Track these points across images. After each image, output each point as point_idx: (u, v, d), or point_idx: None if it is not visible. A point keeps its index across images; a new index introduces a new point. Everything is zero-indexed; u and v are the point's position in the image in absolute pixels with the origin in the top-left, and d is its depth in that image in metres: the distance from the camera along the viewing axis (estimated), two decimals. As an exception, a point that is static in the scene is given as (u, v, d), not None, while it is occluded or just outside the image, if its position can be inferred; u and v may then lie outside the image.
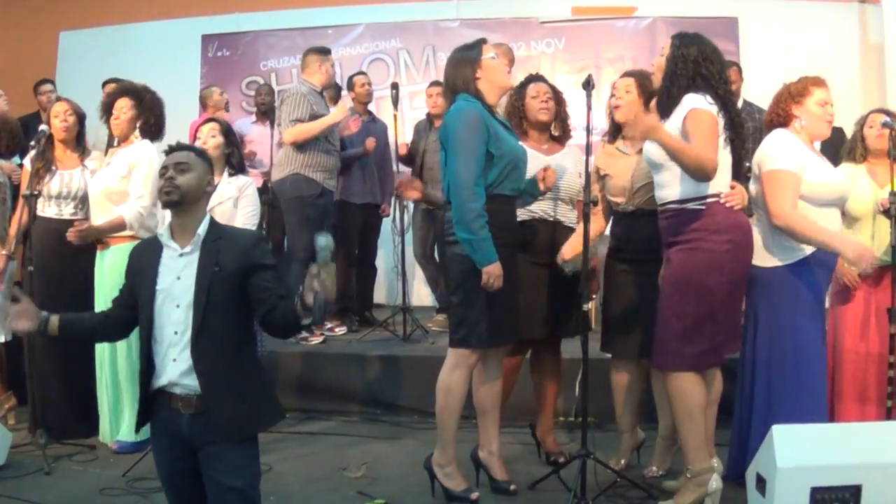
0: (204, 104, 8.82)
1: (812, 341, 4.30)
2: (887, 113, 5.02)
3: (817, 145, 4.58)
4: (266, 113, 8.10)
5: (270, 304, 3.15)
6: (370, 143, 7.48)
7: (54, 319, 3.22)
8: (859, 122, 5.20)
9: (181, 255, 3.22)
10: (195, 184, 3.28)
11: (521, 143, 4.71)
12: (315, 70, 7.00)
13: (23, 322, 3.18)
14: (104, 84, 7.34)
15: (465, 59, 4.41)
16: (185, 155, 3.33)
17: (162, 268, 3.23)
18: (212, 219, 3.33)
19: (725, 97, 4.15)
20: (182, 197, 3.24)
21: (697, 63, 4.14)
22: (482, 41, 4.51)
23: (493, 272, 4.17)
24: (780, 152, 4.28)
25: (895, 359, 4.66)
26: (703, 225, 4.06)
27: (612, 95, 4.93)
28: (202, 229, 3.24)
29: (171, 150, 3.39)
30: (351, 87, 7.90)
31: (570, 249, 4.68)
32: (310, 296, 3.20)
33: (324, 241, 3.32)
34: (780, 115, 4.46)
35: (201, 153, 3.44)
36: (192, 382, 3.12)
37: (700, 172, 3.95)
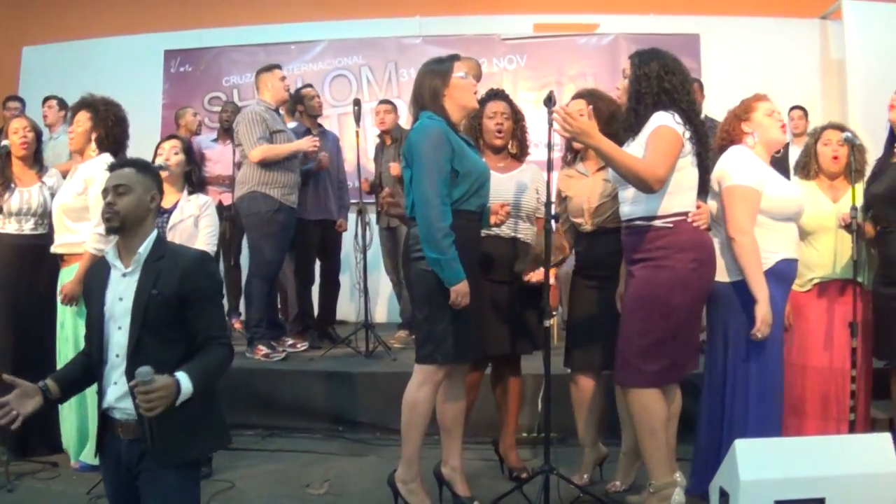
0: (177, 123, 8.77)
1: (773, 355, 4.32)
2: (842, 129, 5.05)
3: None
4: (228, 130, 8.06)
5: (198, 345, 3.09)
6: (324, 158, 7.44)
7: (51, 384, 3.12)
8: (813, 136, 5.22)
9: (124, 275, 3.15)
10: (135, 206, 3.19)
11: (480, 160, 4.74)
12: (266, 88, 7.00)
13: (28, 404, 3.05)
14: (44, 101, 7.28)
15: (435, 74, 4.38)
16: (125, 175, 3.23)
17: (108, 289, 3.17)
18: (158, 236, 3.24)
19: (689, 110, 4.16)
20: (122, 222, 3.16)
21: (660, 77, 4.15)
22: (455, 57, 4.49)
23: (461, 291, 4.16)
24: (740, 168, 4.29)
25: (857, 373, 4.68)
26: (669, 243, 4.07)
27: None
28: (144, 248, 3.16)
29: (111, 168, 3.31)
30: (300, 100, 7.84)
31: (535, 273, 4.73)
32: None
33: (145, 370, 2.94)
34: (729, 137, 4.49)
35: (144, 167, 3.34)
36: (130, 407, 3.03)
37: (640, 183, 3.97)
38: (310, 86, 8.14)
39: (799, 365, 4.97)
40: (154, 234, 3.23)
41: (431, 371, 4.33)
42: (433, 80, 4.37)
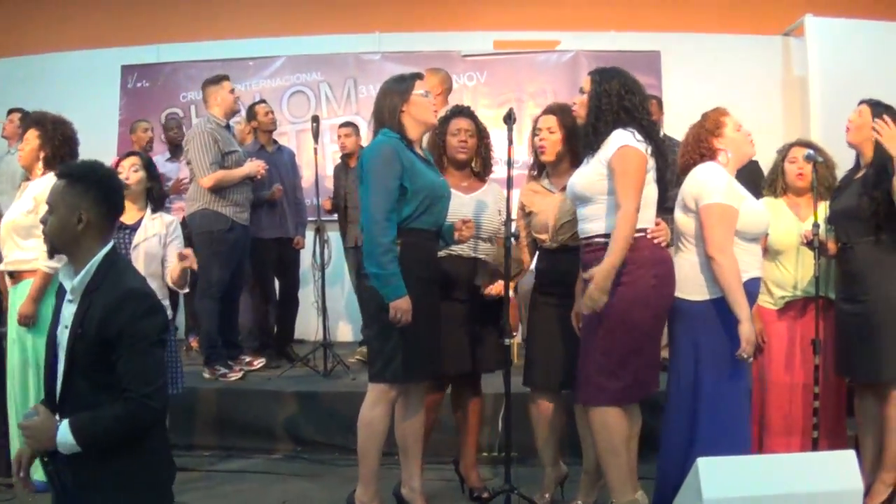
0: (131, 138, 8.66)
1: (745, 374, 4.33)
2: (809, 146, 5.08)
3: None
4: (178, 147, 7.98)
5: (114, 398, 2.85)
6: (277, 191, 7.41)
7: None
8: (781, 153, 5.25)
9: (69, 300, 2.98)
10: (57, 228, 2.95)
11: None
12: (214, 102, 6.94)
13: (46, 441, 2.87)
14: (8, 113, 7.20)
15: (395, 91, 4.42)
16: (54, 190, 3.00)
17: (61, 313, 3.02)
18: (103, 261, 2.98)
19: (649, 128, 4.18)
20: (52, 245, 2.99)
21: (620, 96, 4.16)
22: (417, 76, 4.53)
23: (400, 307, 4.17)
24: (718, 186, 4.27)
25: (820, 390, 4.69)
26: (628, 259, 4.04)
27: (535, 134, 4.87)
28: (81, 276, 2.94)
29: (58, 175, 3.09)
30: (253, 116, 7.79)
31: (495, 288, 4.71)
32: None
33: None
34: (705, 154, 4.45)
35: (75, 179, 3.01)
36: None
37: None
38: (263, 101, 8.11)
39: (762, 381, 5.00)
40: (98, 258, 2.97)
41: (384, 389, 4.35)
42: (392, 97, 4.40)
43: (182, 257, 4.96)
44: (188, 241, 6.87)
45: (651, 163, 4.11)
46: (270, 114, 7.84)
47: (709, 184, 4.29)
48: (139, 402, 2.85)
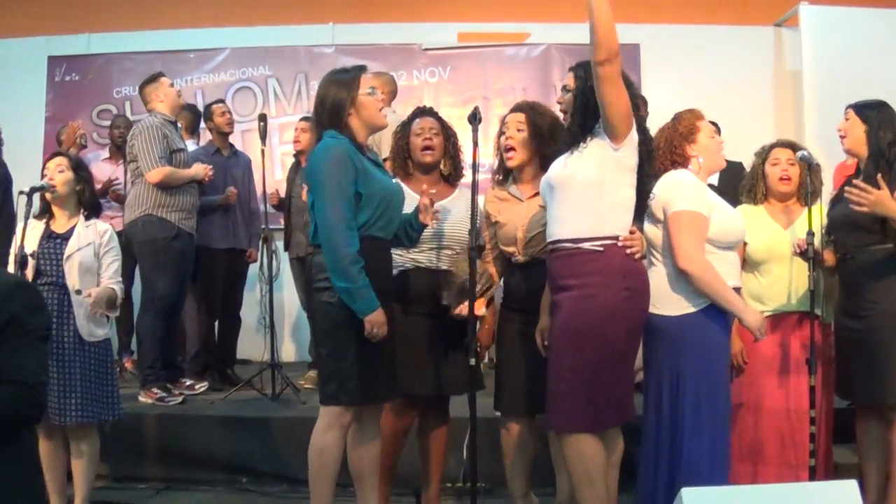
0: (59, 140, 8.58)
1: (724, 394, 4.34)
2: (792, 146, 5.12)
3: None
4: (121, 148, 7.95)
5: None
6: (231, 195, 7.43)
7: None
8: (760, 156, 5.25)
9: None
10: None
11: (406, 186, 4.79)
12: (157, 99, 6.96)
13: None
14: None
15: (340, 87, 4.40)
16: None
17: None
18: None
19: (645, 129, 4.23)
20: None
21: None
22: (361, 70, 4.50)
23: (375, 320, 4.17)
24: (687, 193, 4.32)
25: (816, 413, 4.68)
26: (598, 269, 4.06)
27: (502, 133, 4.86)
28: None
29: None
30: (209, 116, 7.79)
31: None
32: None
33: None
34: (677, 160, 4.49)
35: None
36: None
37: None
38: (220, 101, 8.12)
39: (752, 406, 4.97)
40: None
41: (337, 413, 4.32)
42: (338, 93, 4.39)
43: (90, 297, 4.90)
44: (128, 251, 6.87)
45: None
46: (227, 114, 7.85)
47: (677, 191, 4.34)
48: (24, 389, 2.92)
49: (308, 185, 4.41)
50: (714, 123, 8.47)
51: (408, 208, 4.63)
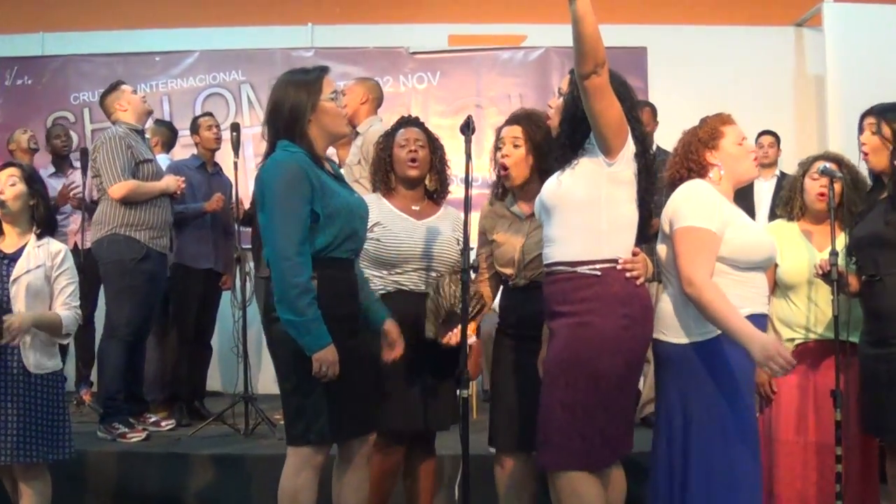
0: (9, 149, 8.62)
1: (743, 431, 4.17)
2: (837, 160, 5.01)
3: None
4: (65, 159, 7.97)
5: None
6: (217, 199, 7.46)
7: None
8: (803, 166, 5.16)
9: None
10: None
11: (387, 202, 4.86)
12: (120, 108, 6.98)
13: None
14: None
15: (298, 99, 4.28)
16: None
17: None
18: None
19: (643, 139, 4.19)
20: None
21: None
22: (323, 71, 4.41)
23: (325, 358, 4.08)
24: (696, 207, 4.19)
25: (843, 451, 4.59)
26: (595, 294, 4.04)
27: (498, 148, 4.83)
28: None
29: None
30: (195, 129, 7.85)
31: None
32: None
33: None
34: (693, 168, 4.36)
35: None
36: None
37: None
38: (208, 114, 8.18)
39: (770, 441, 4.90)
40: None
41: (307, 454, 4.26)
42: (296, 96, 4.28)
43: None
44: (92, 273, 6.86)
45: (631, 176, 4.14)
46: (215, 129, 7.92)
47: (685, 205, 4.21)
48: None
49: (257, 202, 4.30)
50: (772, 133, 8.39)
51: (390, 228, 4.69)
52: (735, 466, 4.13)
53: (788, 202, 5.18)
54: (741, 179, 4.47)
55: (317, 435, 4.22)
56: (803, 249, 5.00)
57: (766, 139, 8.61)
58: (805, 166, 5.14)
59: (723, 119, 4.45)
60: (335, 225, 4.23)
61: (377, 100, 6.69)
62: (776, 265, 4.84)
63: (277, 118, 4.31)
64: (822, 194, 4.94)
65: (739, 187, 4.49)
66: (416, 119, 5.26)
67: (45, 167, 8.51)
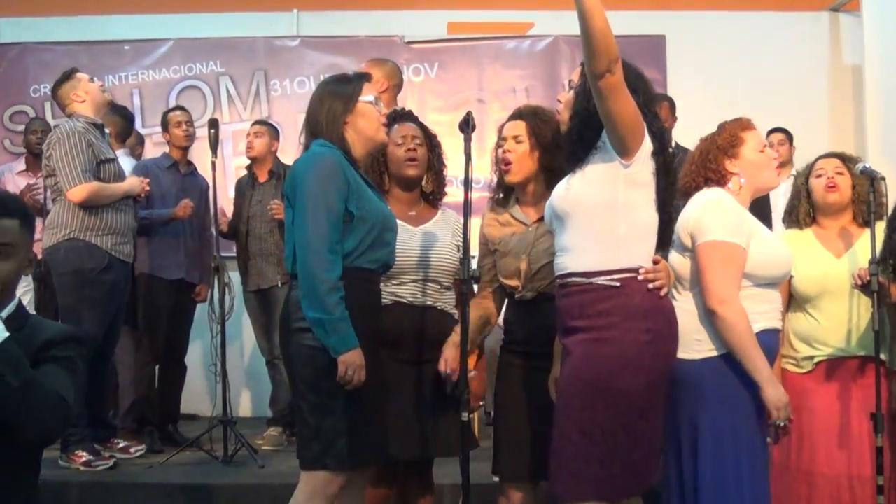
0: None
1: (758, 460, 4.23)
2: (846, 158, 5.05)
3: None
4: (39, 156, 7.97)
5: None
6: (185, 206, 7.44)
7: None
8: (803, 173, 5.20)
9: None
10: (14, 272, 3.25)
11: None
12: (76, 99, 6.91)
13: None
14: None
15: (337, 96, 4.39)
16: (10, 227, 3.22)
17: None
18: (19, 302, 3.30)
19: (660, 136, 4.17)
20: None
21: None
22: (364, 77, 4.52)
23: (351, 362, 4.11)
24: (722, 219, 4.23)
25: (884, 481, 4.56)
26: (614, 307, 4.00)
27: (499, 145, 4.81)
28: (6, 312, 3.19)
29: None
30: (165, 126, 7.86)
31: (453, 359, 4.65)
32: None
33: None
34: (711, 177, 4.42)
35: (26, 214, 3.33)
36: None
37: None
38: (180, 108, 8.17)
39: (804, 472, 4.84)
40: (17, 297, 3.30)
41: (323, 481, 4.25)
42: (333, 106, 4.37)
43: None
44: (47, 282, 6.82)
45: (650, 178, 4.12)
46: (185, 125, 7.91)
47: (710, 216, 4.26)
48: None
49: (288, 199, 4.34)
50: (783, 130, 8.41)
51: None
52: (751, 486, 4.17)
53: (793, 211, 5.21)
54: (761, 188, 4.55)
55: (334, 459, 4.21)
56: (819, 256, 4.99)
57: (777, 137, 8.52)
58: (805, 171, 5.19)
59: (742, 124, 4.49)
60: (364, 229, 4.29)
61: (397, 87, 6.62)
62: (791, 277, 4.82)
63: (315, 119, 4.40)
64: (830, 187, 4.98)
65: (758, 196, 4.53)
66: (410, 113, 5.27)
67: (9, 163, 8.62)
